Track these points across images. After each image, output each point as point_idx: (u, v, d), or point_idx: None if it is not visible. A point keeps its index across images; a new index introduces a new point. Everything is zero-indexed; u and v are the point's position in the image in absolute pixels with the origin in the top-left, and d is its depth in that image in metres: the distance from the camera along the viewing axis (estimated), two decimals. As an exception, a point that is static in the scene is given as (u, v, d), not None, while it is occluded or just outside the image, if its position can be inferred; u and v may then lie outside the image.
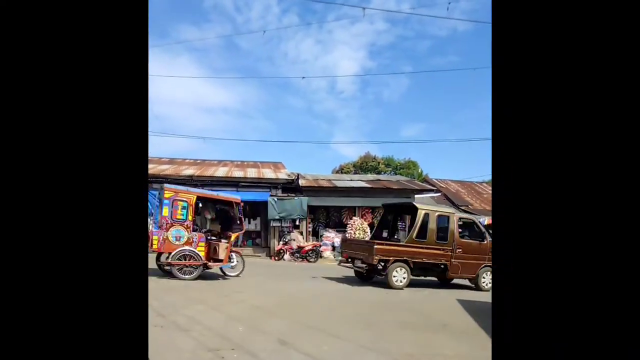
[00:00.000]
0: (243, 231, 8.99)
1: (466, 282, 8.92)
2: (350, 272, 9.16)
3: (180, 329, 4.16)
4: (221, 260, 7.82)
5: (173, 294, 6.02)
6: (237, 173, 15.44)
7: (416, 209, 8.50)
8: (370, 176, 20.11)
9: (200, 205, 13.07)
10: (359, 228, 13.83)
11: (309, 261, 13.24)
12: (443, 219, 8.53)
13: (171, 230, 7.38)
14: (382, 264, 8.00)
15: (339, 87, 61.52)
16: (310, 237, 14.61)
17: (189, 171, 15.21)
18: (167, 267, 7.43)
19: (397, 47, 57.87)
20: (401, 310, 5.92)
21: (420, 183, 17.77)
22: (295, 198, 14.20)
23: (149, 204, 8.59)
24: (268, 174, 15.78)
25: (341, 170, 29.04)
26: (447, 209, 9.86)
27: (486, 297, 7.76)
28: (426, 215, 8.34)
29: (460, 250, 8.38)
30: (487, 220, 13.84)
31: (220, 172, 15.56)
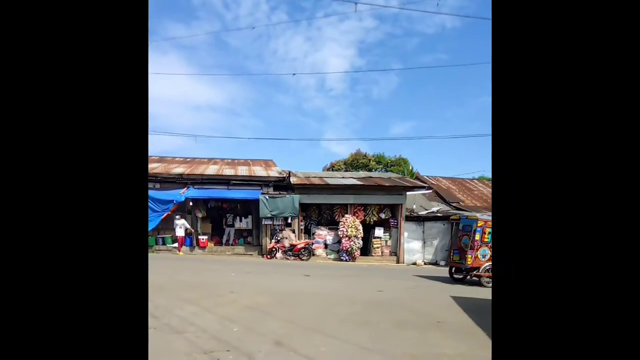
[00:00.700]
0: None
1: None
2: (342, 270, 9.13)
3: (174, 330, 4.07)
4: None
5: (163, 294, 5.90)
6: (228, 171, 15.26)
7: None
8: (362, 173, 20.08)
9: (191, 204, 12.98)
10: (351, 226, 13.80)
11: (301, 259, 13.19)
12: None
13: (479, 250, 9.48)
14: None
15: (328, 84, 61.49)
16: (303, 235, 14.53)
17: (179, 169, 14.99)
18: (475, 278, 9.44)
19: (385, 45, 58.02)
20: (395, 308, 5.90)
21: (412, 180, 17.81)
22: (287, 196, 14.11)
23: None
24: (259, 171, 15.64)
25: (332, 167, 28.99)
26: None
27: (478, 294, 7.81)
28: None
29: None
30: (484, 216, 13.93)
31: (211, 170, 15.38)
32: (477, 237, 9.58)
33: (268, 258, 13.42)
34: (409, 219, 15.23)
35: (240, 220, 14.85)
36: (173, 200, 13.29)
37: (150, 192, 13.26)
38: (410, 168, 28.21)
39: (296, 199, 14.03)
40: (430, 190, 18.03)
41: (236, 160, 18.33)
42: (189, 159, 17.88)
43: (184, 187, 13.79)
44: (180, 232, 13.09)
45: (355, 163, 29.03)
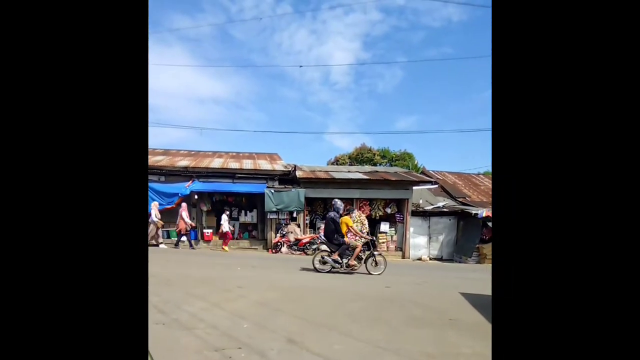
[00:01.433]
0: None
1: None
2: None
3: (183, 327, 3.99)
4: None
5: (172, 289, 5.83)
6: (233, 164, 15.15)
7: None
8: (368, 167, 19.93)
9: (196, 197, 12.88)
10: (357, 220, 13.68)
11: (306, 254, 13.10)
12: None
13: None
14: None
15: (333, 78, 61.15)
16: (308, 229, 14.45)
17: (183, 162, 14.90)
18: None
19: (391, 38, 57.50)
20: (406, 304, 5.80)
21: (418, 174, 17.63)
22: (293, 190, 14.00)
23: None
24: (264, 165, 15.53)
25: (336, 161, 28.83)
26: None
27: (486, 290, 7.70)
28: None
29: None
30: (485, 212, 13.81)
31: (216, 163, 15.27)
32: None
33: (273, 252, 13.35)
34: (414, 214, 15.11)
35: (246, 214, 14.77)
36: (178, 194, 13.19)
37: (155, 185, 13.16)
38: (415, 163, 28.02)
39: (302, 193, 13.92)
40: (437, 185, 17.88)
41: (241, 154, 18.22)
42: (193, 152, 17.79)
43: (188, 180, 13.69)
44: (226, 227, 13.09)
45: (360, 157, 28.86)
